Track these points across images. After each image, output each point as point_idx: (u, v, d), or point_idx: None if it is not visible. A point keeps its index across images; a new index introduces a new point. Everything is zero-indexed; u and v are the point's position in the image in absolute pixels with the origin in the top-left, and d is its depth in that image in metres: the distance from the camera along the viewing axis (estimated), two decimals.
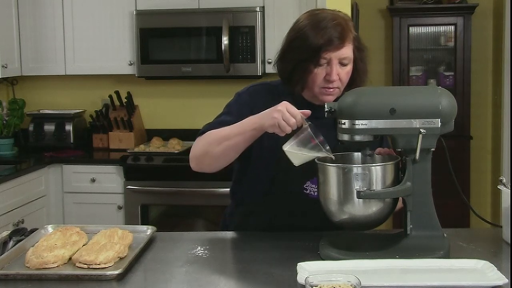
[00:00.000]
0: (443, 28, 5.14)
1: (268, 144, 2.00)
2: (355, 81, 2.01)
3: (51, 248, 1.73)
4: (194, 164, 2.06)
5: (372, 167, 1.74)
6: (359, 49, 1.99)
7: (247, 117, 1.95)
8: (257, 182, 2.03)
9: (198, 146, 2.03)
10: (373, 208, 1.73)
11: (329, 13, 1.98)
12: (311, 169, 1.83)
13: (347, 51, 1.94)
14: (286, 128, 1.77)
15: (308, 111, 1.81)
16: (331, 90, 1.96)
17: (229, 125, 1.96)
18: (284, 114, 1.77)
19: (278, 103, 2.01)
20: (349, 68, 1.97)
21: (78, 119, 4.52)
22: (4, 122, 4.28)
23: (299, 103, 2.03)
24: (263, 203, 2.04)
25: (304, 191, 2.00)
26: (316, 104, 2.03)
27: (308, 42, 1.92)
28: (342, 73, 1.95)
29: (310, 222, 1.98)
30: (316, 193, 1.96)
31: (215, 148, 1.95)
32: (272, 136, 1.96)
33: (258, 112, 1.95)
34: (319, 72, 1.94)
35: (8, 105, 4.41)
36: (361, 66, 2.01)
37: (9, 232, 1.94)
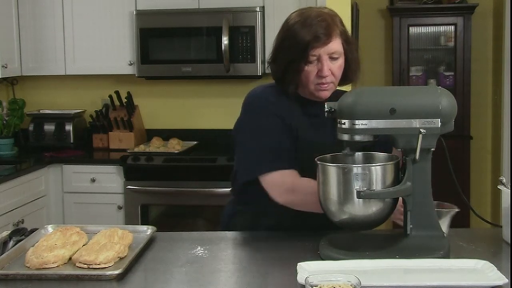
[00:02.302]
0: (443, 28, 5.15)
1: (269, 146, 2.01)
2: (348, 73, 2.03)
3: (51, 248, 1.73)
4: (283, 203, 1.98)
5: (372, 167, 1.74)
6: (347, 42, 1.99)
7: (282, 127, 1.96)
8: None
9: (299, 196, 1.93)
10: (373, 208, 1.73)
11: (314, 10, 1.99)
12: (313, 170, 1.83)
13: (335, 45, 1.95)
14: None
15: None
16: (325, 85, 1.97)
17: (282, 149, 1.95)
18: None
19: (290, 103, 2.02)
20: (340, 62, 1.98)
21: (78, 119, 4.52)
22: (4, 122, 4.28)
23: (296, 101, 2.04)
24: (270, 205, 2.03)
25: None
26: (313, 100, 2.04)
27: (296, 40, 1.94)
28: (334, 68, 1.96)
29: (317, 221, 1.98)
30: None
31: (312, 205, 1.88)
32: (298, 136, 1.97)
33: (288, 117, 1.98)
34: (311, 70, 1.95)
35: (8, 105, 4.41)
36: (351, 58, 2.01)
37: (9, 232, 1.94)
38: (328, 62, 1.95)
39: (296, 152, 1.99)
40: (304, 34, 1.92)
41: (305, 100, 2.05)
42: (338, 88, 2.14)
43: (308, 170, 1.88)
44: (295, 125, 2.01)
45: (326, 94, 2.00)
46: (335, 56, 1.95)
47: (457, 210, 1.90)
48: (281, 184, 1.96)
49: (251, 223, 2.10)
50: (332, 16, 1.98)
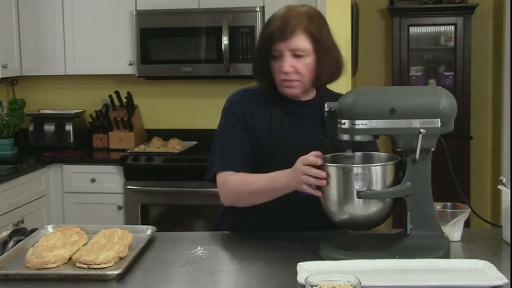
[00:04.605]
0: (443, 28, 5.15)
1: (257, 146, 2.01)
2: (319, 74, 1.99)
3: (51, 248, 1.73)
4: (227, 205, 2.08)
5: (372, 167, 1.74)
6: (317, 41, 1.95)
7: (242, 130, 2.00)
8: None
9: (228, 194, 2.03)
10: (373, 208, 1.73)
11: (289, 7, 2.00)
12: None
13: (298, 42, 1.93)
14: (321, 182, 1.74)
15: (317, 153, 1.77)
16: (289, 82, 1.97)
17: (236, 151, 2.00)
18: (310, 171, 1.75)
19: (268, 104, 2.03)
20: (308, 60, 1.95)
21: (78, 119, 4.52)
22: (4, 122, 4.28)
23: (281, 101, 2.04)
24: (254, 205, 2.03)
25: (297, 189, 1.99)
26: (297, 100, 2.05)
27: (263, 36, 1.98)
28: (299, 65, 1.95)
29: (305, 221, 1.99)
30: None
31: (247, 199, 1.98)
32: (261, 137, 1.97)
33: (251, 119, 2.01)
34: (275, 65, 1.97)
35: (8, 105, 4.41)
36: (322, 58, 1.97)
37: (9, 232, 1.94)
38: (290, 59, 1.94)
39: (271, 152, 1.99)
40: (268, 30, 1.96)
41: (289, 100, 2.05)
42: (333, 90, 2.14)
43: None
44: (273, 126, 2.01)
45: (292, 91, 2.00)
46: (299, 53, 1.94)
47: (469, 210, 1.92)
48: (222, 185, 2.02)
49: (236, 224, 2.10)
50: (301, 13, 1.96)
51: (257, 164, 2.01)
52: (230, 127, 2.05)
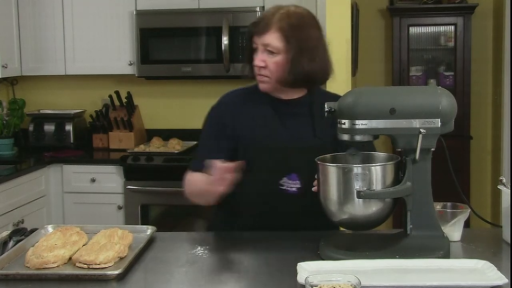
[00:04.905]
0: (443, 28, 5.14)
1: (242, 145, 2.01)
2: (289, 74, 1.97)
3: (51, 248, 1.73)
4: (192, 201, 2.13)
5: (372, 167, 1.74)
6: (289, 41, 1.95)
7: (220, 132, 2.04)
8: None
9: (187, 192, 2.11)
10: (373, 208, 1.73)
11: (279, 6, 2.02)
12: (287, 165, 1.86)
13: (270, 38, 1.95)
14: (222, 181, 1.84)
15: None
16: (260, 77, 2.01)
17: (210, 152, 2.03)
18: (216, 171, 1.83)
19: (255, 104, 2.06)
20: (278, 58, 1.96)
21: (78, 119, 4.52)
22: (4, 122, 4.28)
23: (270, 100, 2.06)
24: (242, 203, 2.02)
25: (281, 187, 1.99)
26: (290, 99, 2.05)
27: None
28: (269, 62, 1.97)
29: (305, 221, 1.99)
30: (293, 189, 1.97)
31: (202, 198, 2.06)
32: (245, 137, 1.97)
33: (232, 120, 2.04)
34: (255, 58, 2.01)
35: (8, 105, 4.41)
36: (295, 59, 1.96)
37: (9, 232, 1.94)
38: (264, 54, 1.97)
39: (259, 152, 2.00)
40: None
41: (279, 100, 2.06)
42: (329, 90, 2.14)
43: (273, 168, 1.91)
44: (261, 126, 2.02)
45: (262, 86, 2.03)
46: (270, 49, 1.96)
47: (469, 210, 1.92)
48: (185, 184, 2.09)
49: (227, 224, 2.10)
50: (285, 12, 1.98)
51: (246, 164, 2.00)
52: (208, 128, 2.11)
